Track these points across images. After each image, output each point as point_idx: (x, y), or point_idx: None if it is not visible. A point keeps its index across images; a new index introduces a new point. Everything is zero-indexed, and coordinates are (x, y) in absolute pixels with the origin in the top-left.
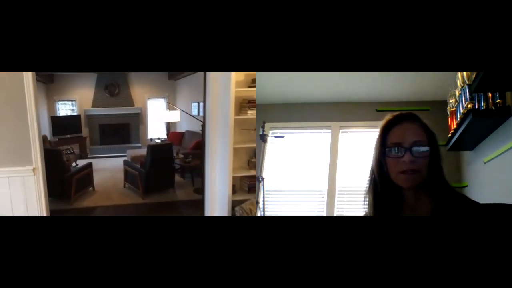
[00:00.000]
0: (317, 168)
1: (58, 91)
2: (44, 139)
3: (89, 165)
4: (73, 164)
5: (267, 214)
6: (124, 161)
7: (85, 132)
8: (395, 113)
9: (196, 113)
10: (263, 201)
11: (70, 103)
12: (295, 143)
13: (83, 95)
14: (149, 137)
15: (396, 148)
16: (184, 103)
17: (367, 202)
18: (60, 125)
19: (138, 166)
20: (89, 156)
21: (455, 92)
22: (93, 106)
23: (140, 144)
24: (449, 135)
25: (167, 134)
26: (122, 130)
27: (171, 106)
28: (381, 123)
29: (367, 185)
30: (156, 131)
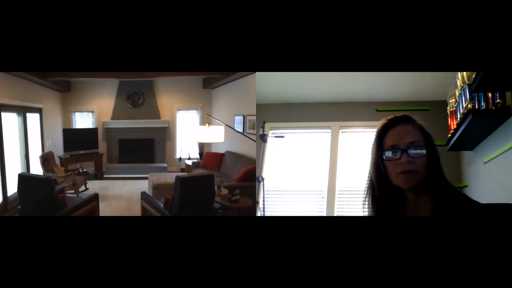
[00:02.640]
0: (317, 168)
1: (76, 100)
2: (47, 157)
3: (94, 198)
4: (81, 188)
5: (267, 214)
6: (142, 194)
7: (102, 147)
8: (389, 117)
9: (241, 130)
10: (263, 201)
11: (89, 114)
12: (295, 143)
13: (102, 105)
14: (178, 156)
15: (392, 151)
16: (224, 116)
17: (368, 206)
18: (74, 139)
19: (161, 205)
20: (105, 176)
21: (455, 92)
22: (113, 118)
23: (166, 165)
24: (449, 135)
25: (201, 155)
26: (145, 146)
27: (210, 120)
28: (377, 127)
29: (366, 189)
30: (186, 149)
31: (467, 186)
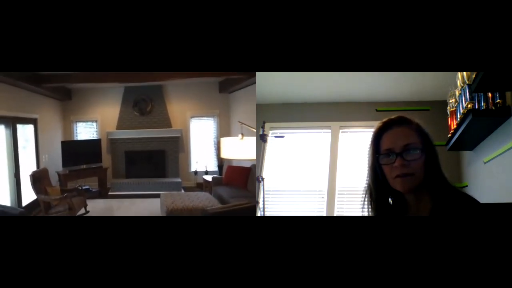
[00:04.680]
0: (317, 168)
1: (77, 109)
2: (39, 175)
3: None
4: (81, 211)
5: (267, 214)
6: None
7: (106, 161)
8: (384, 120)
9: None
10: (263, 201)
11: (92, 124)
12: (295, 143)
13: (106, 114)
14: (193, 169)
15: (388, 155)
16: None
17: (367, 210)
18: (74, 152)
19: None
20: (110, 193)
21: (455, 92)
22: (118, 127)
23: (179, 180)
24: (449, 135)
25: (220, 168)
26: (156, 159)
27: (244, 129)
28: (372, 131)
29: (364, 194)
30: (202, 161)
31: (467, 186)
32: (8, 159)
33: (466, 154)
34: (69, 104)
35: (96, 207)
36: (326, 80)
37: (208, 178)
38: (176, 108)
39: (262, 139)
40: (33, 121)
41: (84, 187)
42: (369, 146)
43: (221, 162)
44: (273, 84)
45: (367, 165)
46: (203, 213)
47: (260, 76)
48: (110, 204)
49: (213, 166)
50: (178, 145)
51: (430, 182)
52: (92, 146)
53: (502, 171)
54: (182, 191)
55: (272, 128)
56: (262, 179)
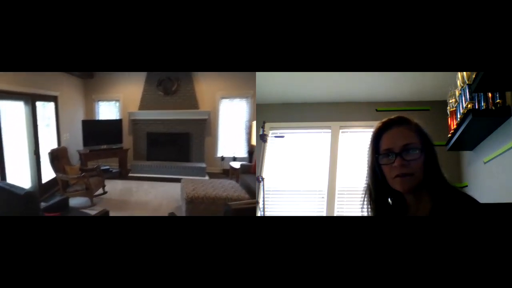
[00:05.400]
0: (317, 168)
1: (99, 88)
2: (58, 154)
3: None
4: (98, 191)
5: (267, 214)
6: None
7: (127, 142)
8: (384, 120)
9: None
10: (263, 201)
11: (116, 103)
12: (295, 143)
13: (128, 94)
14: (219, 154)
15: (387, 154)
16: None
17: (367, 210)
18: (95, 132)
19: None
20: (129, 175)
21: (455, 92)
22: (141, 107)
23: (204, 165)
24: (449, 135)
25: (250, 154)
26: (179, 142)
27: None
28: (372, 131)
29: (363, 194)
30: (230, 147)
31: (467, 186)
32: (28, 136)
33: (466, 154)
34: (91, 82)
35: (115, 188)
36: (326, 80)
37: (236, 165)
38: (204, 88)
39: (262, 139)
40: (53, 99)
41: (103, 168)
42: (368, 146)
43: (251, 148)
44: (273, 84)
45: (366, 165)
46: (225, 206)
47: (260, 76)
48: (129, 186)
49: (242, 153)
50: (205, 128)
51: (429, 182)
52: (113, 126)
53: (502, 171)
54: (206, 177)
55: (272, 128)
56: (262, 179)
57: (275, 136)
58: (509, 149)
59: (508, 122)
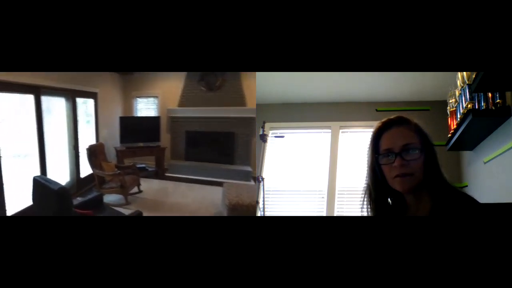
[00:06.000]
0: (317, 168)
1: (139, 84)
2: (95, 149)
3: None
4: (133, 190)
5: (267, 214)
6: None
7: (165, 140)
8: (383, 120)
9: None
10: (263, 201)
11: (155, 100)
12: (295, 143)
13: (168, 90)
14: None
15: (387, 154)
16: None
17: (367, 211)
18: (132, 129)
19: None
20: (166, 174)
21: (455, 92)
22: (180, 104)
23: (250, 169)
24: (449, 135)
25: None
26: (222, 142)
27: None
28: (372, 131)
29: (363, 194)
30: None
31: (467, 186)
32: (68, 131)
33: (466, 154)
34: (130, 78)
35: (150, 188)
36: (326, 80)
37: None
38: (253, 82)
39: (262, 139)
40: (93, 95)
41: (139, 166)
42: (368, 146)
43: None
44: (273, 84)
45: (366, 165)
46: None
47: (260, 76)
48: (165, 186)
49: None
50: (252, 127)
51: (429, 182)
52: (151, 123)
53: (502, 171)
54: (252, 182)
55: (272, 128)
56: (262, 179)
57: (275, 136)
58: (509, 149)
59: (508, 122)
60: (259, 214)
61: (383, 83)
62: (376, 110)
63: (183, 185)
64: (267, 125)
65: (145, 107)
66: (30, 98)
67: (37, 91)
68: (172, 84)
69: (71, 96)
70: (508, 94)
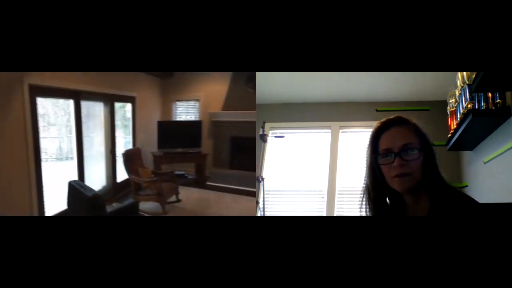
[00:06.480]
0: (317, 168)
1: (179, 87)
2: (131, 154)
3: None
4: (172, 198)
5: (267, 214)
6: None
7: (207, 146)
8: (382, 120)
9: None
10: (263, 201)
11: (195, 103)
12: (295, 143)
13: (210, 92)
14: None
15: (386, 154)
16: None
17: (365, 210)
18: (171, 134)
19: None
20: (208, 183)
21: (455, 92)
22: (224, 108)
23: None
24: (449, 135)
25: None
26: None
27: None
28: (371, 131)
29: (362, 194)
30: None
31: (467, 186)
32: (106, 136)
33: (466, 154)
34: (170, 82)
35: (190, 197)
36: (326, 80)
37: None
38: None
39: (262, 139)
40: (131, 99)
41: (178, 173)
42: (367, 146)
43: None
44: (273, 84)
45: (365, 165)
46: None
47: (260, 76)
48: (206, 196)
49: None
50: None
51: (428, 182)
52: (191, 128)
53: (502, 171)
54: None
55: (272, 128)
56: (262, 179)
57: (275, 136)
58: (509, 149)
59: (508, 122)
60: (259, 214)
61: (383, 83)
62: (376, 110)
63: (228, 196)
64: (267, 125)
65: (185, 111)
66: (70, 103)
67: (77, 96)
68: (215, 87)
69: (109, 100)
70: (508, 94)
